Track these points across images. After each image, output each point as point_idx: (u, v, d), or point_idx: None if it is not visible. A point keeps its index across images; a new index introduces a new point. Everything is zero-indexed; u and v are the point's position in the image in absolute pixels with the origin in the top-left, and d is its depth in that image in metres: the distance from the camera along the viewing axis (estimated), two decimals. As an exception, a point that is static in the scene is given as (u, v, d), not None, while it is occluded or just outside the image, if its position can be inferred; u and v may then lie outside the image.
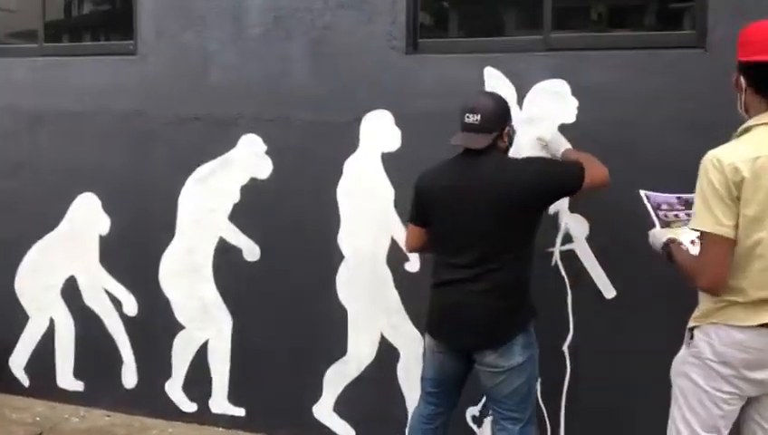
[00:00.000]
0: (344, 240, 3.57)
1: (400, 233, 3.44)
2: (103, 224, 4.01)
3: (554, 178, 2.66)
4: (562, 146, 3.08)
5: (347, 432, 3.64)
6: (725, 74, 2.35)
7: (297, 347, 3.69)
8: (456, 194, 2.65)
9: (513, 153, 3.17)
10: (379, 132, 3.48)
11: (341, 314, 3.60)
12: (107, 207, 3.99)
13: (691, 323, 2.31)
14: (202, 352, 3.88)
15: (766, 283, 2.13)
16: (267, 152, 3.67)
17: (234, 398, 3.82)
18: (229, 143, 3.74)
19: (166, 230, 3.88)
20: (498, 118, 2.71)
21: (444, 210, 2.69)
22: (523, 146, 3.22)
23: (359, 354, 3.58)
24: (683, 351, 2.34)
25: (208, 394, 3.87)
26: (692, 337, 2.29)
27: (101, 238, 4.02)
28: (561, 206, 3.18)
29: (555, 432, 3.33)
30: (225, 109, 3.73)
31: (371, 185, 3.52)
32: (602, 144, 3.02)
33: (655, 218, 2.51)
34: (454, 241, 2.67)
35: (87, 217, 4.04)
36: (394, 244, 3.50)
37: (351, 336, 3.59)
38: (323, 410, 3.67)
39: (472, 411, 3.45)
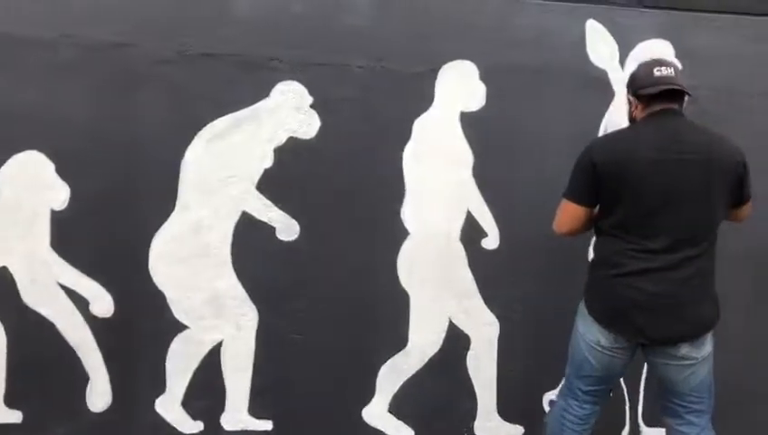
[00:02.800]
0: (409, 214, 3.02)
1: (479, 205, 3.02)
2: (57, 194, 2.90)
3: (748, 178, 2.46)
4: None
5: (404, 433, 3.15)
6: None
7: (342, 342, 3.08)
8: (662, 168, 2.32)
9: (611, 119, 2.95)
10: (460, 87, 2.96)
11: (401, 299, 3.07)
12: (64, 172, 2.89)
13: None
14: (209, 358, 3.05)
15: None
16: (313, 106, 2.93)
17: (256, 409, 3.08)
18: (258, 92, 2.92)
19: (158, 204, 2.94)
20: None
21: (641, 186, 2.33)
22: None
23: (422, 345, 3.10)
24: None
25: (219, 408, 3.08)
26: None
27: (55, 215, 2.91)
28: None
29: (634, 409, 3.23)
30: (255, 46, 2.88)
31: (447, 150, 3.01)
32: (709, 112, 2.90)
33: None
34: (653, 223, 2.35)
35: (30, 185, 2.89)
36: (469, 218, 3.05)
37: (414, 325, 3.08)
38: (376, 412, 3.13)
39: (549, 396, 3.20)
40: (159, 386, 3.03)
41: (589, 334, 2.48)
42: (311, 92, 2.92)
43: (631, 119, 2.54)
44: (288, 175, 2.95)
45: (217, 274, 2.99)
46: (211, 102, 2.90)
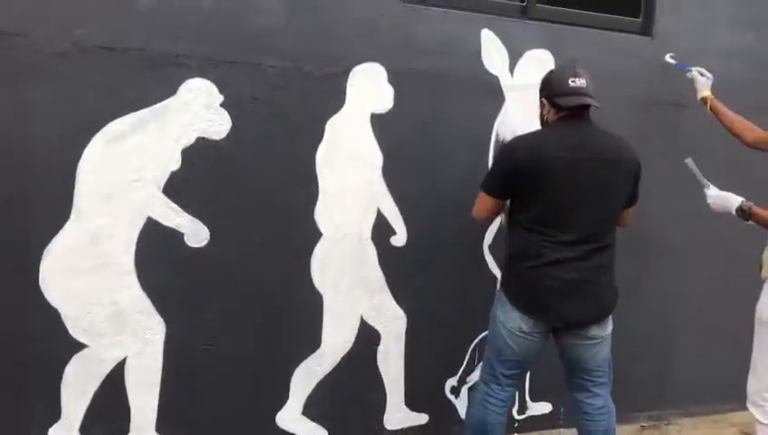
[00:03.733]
0: (322, 215, 3.01)
1: (389, 206, 3.11)
2: (-75, 205, 2.50)
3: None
4: None
5: (318, 434, 3.15)
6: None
7: (252, 349, 3.00)
8: (578, 166, 2.56)
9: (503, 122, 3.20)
10: (370, 89, 3.01)
11: (313, 302, 3.06)
12: (-67, 178, 2.50)
13: None
14: (111, 377, 2.81)
15: None
16: (223, 105, 2.81)
17: (164, 427, 2.90)
18: (163, 90, 2.73)
19: (50, 212, 2.65)
20: None
21: (559, 183, 2.55)
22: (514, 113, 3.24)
23: (336, 345, 3.11)
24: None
25: (124, 430, 2.85)
26: None
27: None
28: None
29: (522, 387, 3.51)
30: (160, 41, 2.69)
31: (359, 151, 3.04)
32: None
33: (705, 181, 2.91)
34: (568, 218, 2.58)
35: None
36: (380, 218, 3.12)
37: (328, 326, 3.09)
38: (290, 416, 3.09)
39: (450, 383, 3.37)
40: (52, 414, 2.74)
41: (510, 322, 2.67)
42: (220, 91, 2.79)
43: (544, 120, 2.76)
44: (195, 177, 2.79)
45: (120, 286, 2.76)
46: (111, 101, 2.66)
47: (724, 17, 3.62)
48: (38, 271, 2.64)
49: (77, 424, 2.77)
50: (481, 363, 2.91)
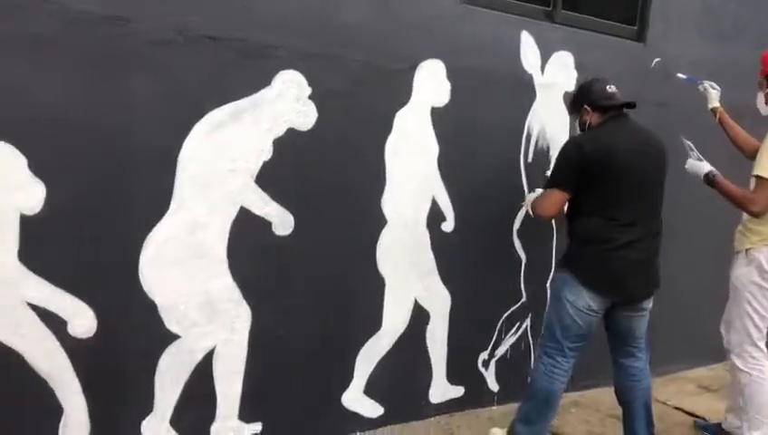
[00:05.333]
0: (388, 203, 3.17)
1: (442, 194, 3.33)
2: (31, 196, 2.37)
3: None
4: None
5: (375, 411, 3.32)
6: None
7: (322, 333, 3.11)
8: (635, 156, 2.91)
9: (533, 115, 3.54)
10: (433, 84, 3.20)
11: (377, 285, 3.22)
12: (40, 168, 2.37)
13: (747, 246, 3.32)
14: (199, 367, 2.82)
15: None
16: (311, 96, 2.88)
17: (246, 413, 2.95)
18: (260, 80, 2.76)
19: (149, 203, 2.60)
20: None
21: (622, 172, 2.89)
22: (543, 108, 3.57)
23: (395, 326, 3.30)
24: (744, 268, 3.33)
25: (210, 418, 2.87)
26: (748, 256, 3.30)
27: (25, 220, 2.37)
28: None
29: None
30: (258, 31, 2.72)
31: (421, 142, 3.22)
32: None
33: (693, 152, 3.38)
34: (631, 203, 2.94)
35: (-4, 185, 2.31)
36: (434, 205, 3.32)
37: (389, 307, 3.26)
38: (353, 395, 3.24)
39: (482, 356, 3.66)
40: (145, 407, 2.70)
41: (579, 301, 2.98)
42: (309, 83, 2.86)
43: (586, 125, 3.09)
44: (281, 167, 2.84)
45: (212, 275, 2.76)
46: (212, 90, 2.65)
47: (704, 29, 4.16)
48: (137, 262, 2.59)
49: (168, 415, 2.76)
50: (540, 339, 3.18)
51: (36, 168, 2.36)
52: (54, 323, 2.47)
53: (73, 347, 2.51)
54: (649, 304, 3.10)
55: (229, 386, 2.88)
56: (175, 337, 2.72)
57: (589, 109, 3.06)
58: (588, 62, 3.65)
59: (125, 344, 2.62)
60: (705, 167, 3.32)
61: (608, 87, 3.04)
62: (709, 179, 3.29)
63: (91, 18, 2.39)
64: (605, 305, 3.00)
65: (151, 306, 2.65)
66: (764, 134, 3.23)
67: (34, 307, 2.43)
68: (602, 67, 3.60)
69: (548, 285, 3.79)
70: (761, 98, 3.42)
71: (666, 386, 4.34)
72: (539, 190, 3.28)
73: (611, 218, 2.94)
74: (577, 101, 3.13)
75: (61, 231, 2.43)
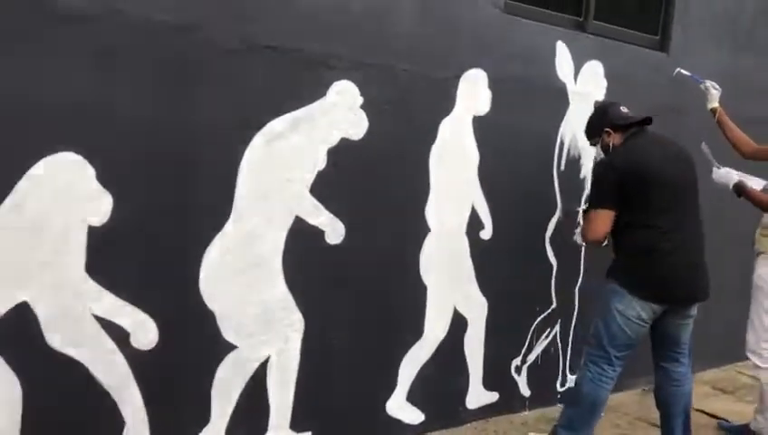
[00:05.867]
0: (432, 211, 3.20)
1: (481, 202, 3.36)
2: (98, 207, 2.35)
3: None
4: None
5: (417, 418, 3.34)
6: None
7: (373, 341, 3.12)
8: (667, 166, 3.00)
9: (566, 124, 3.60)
10: (475, 93, 3.24)
11: (421, 293, 3.24)
12: (107, 179, 2.35)
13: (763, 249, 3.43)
14: (253, 377, 2.81)
15: None
16: (362, 106, 2.89)
17: (298, 422, 2.94)
18: (317, 90, 2.77)
19: (211, 214, 2.60)
20: None
21: (659, 186, 2.96)
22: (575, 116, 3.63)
23: (436, 333, 3.32)
24: (764, 269, 3.44)
25: (263, 428, 2.86)
26: None
27: (92, 232, 2.35)
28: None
29: (564, 364, 3.94)
30: (317, 42, 2.72)
31: (463, 150, 3.26)
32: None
33: (715, 162, 3.48)
34: (671, 212, 3.01)
35: (63, 195, 2.28)
36: (473, 212, 3.36)
37: (430, 315, 3.28)
38: (397, 403, 3.25)
39: (515, 362, 3.70)
40: (202, 418, 2.69)
41: (629, 311, 3.02)
42: (361, 93, 2.87)
43: (610, 148, 3.14)
44: (333, 176, 2.85)
45: (269, 285, 2.76)
46: (272, 99, 2.65)
47: (723, 41, 4.27)
48: (197, 273, 2.58)
49: (224, 426, 2.74)
50: (587, 348, 3.21)
51: (103, 178, 2.33)
52: (118, 334, 2.44)
53: (135, 359, 2.48)
54: (695, 310, 3.16)
55: (282, 395, 2.87)
56: (232, 347, 2.71)
57: (610, 130, 3.13)
58: (615, 71, 3.73)
59: (184, 356, 2.61)
60: (732, 176, 3.41)
61: (622, 108, 3.15)
62: (738, 188, 3.38)
63: (160, 28, 2.37)
64: (654, 314, 3.05)
65: (210, 317, 2.64)
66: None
67: (99, 319, 2.40)
68: (628, 76, 3.69)
69: (575, 290, 3.86)
70: None
71: (683, 388, 4.43)
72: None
73: (655, 227, 3.00)
74: (596, 126, 3.21)
75: (125, 242, 2.41)
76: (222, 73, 2.52)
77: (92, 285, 2.36)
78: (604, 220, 3.04)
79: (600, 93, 3.70)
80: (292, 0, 2.65)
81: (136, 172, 2.40)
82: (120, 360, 2.46)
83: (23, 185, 2.20)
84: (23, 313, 2.25)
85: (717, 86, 3.80)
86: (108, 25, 2.28)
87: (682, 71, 3.86)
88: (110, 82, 2.31)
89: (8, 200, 2.18)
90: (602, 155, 3.19)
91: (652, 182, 2.97)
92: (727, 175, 3.42)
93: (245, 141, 2.61)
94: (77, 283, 2.33)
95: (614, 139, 3.13)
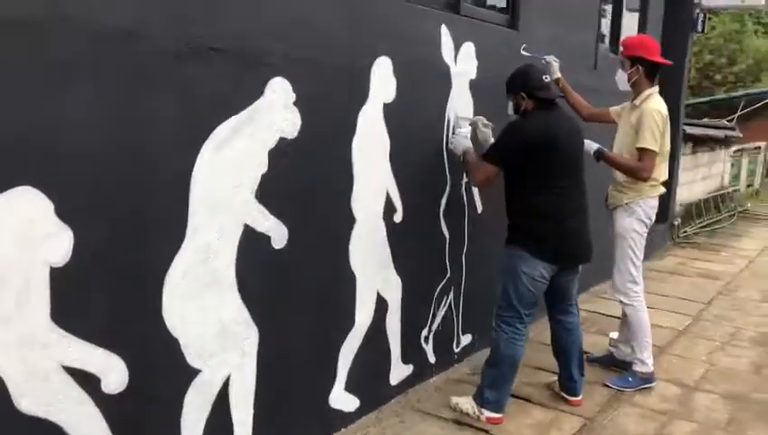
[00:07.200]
0: (356, 201, 3.21)
1: (393, 187, 3.45)
2: (60, 244, 2.05)
3: None
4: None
5: (354, 404, 3.40)
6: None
7: (316, 337, 3.11)
8: (569, 139, 3.38)
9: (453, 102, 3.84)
10: (385, 81, 3.28)
11: (350, 283, 3.27)
12: (63, 211, 2.05)
13: (626, 200, 3.99)
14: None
15: (663, 173, 4.04)
16: (294, 103, 2.80)
17: (259, 431, 2.85)
18: (255, 90, 2.63)
19: (169, 234, 2.39)
20: None
21: (562, 155, 3.32)
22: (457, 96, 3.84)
23: (365, 320, 3.38)
24: (625, 220, 4.00)
25: (226, 448, 2.74)
26: (628, 209, 3.98)
27: (54, 273, 2.05)
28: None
29: (457, 325, 4.22)
30: (251, 40, 2.57)
31: (379, 139, 3.30)
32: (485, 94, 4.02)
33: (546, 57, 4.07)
34: (569, 179, 3.36)
35: (25, 237, 1.95)
36: (387, 197, 3.44)
37: (360, 303, 3.33)
38: (337, 394, 3.28)
39: (423, 333, 3.89)
40: (172, 451, 2.51)
41: (533, 271, 3.35)
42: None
43: (522, 110, 3.44)
44: (270, 178, 2.75)
45: (225, 301, 2.62)
46: (217, 103, 2.47)
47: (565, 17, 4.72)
48: (160, 301, 2.37)
49: (194, 454, 2.58)
50: (497, 311, 3.48)
51: (60, 211, 2.03)
52: (86, 380, 2.17)
53: (104, 401, 2.24)
54: (580, 267, 3.59)
55: (244, 410, 2.77)
56: (197, 372, 2.54)
57: (525, 96, 3.39)
58: (482, 49, 3.98)
59: (154, 389, 2.40)
60: (593, 145, 3.86)
61: (543, 77, 3.41)
62: (599, 154, 3.85)
63: (107, 35, 2.09)
64: (553, 272, 3.41)
65: (176, 344, 2.45)
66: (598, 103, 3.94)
67: (68, 369, 2.12)
68: (491, 53, 3.98)
69: (462, 258, 4.13)
70: (621, 75, 4.06)
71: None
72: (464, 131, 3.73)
73: (557, 194, 3.34)
74: (514, 87, 3.45)
75: (88, 279, 2.14)
76: (169, 80, 2.29)
77: (60, 334, 2.07)
78: (489, 172, 3.37)
79: (472, 72, 3.93)
80: (231, 1, 2.46)
81: (91, 200, 2.12)
82: (92, 411, 2.20)
83: (-20, 231, 1.85)
84: (-13, 380, 1.92)
85: (556, 59, 4.23)
86: (54, 34, 1.96)
87: (524, 52, 4.23)
88: (58, 99, 2.00)
89: (-38, 252, 1.83)
90: (512, 111, 3.50)
91: (558, 153, 3.29)
92: (588, 142, 3.83)
93: (195, 152, 2.42)
94: (44, 334, 2.03)
95: (527, 104, 3.40)
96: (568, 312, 3.67)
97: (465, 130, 3.79)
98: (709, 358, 4.57)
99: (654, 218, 4.08)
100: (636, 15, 6.63)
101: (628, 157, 3.92)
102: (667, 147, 4.00)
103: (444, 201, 3.88)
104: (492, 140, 3.68)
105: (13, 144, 1.90)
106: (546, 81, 3.42)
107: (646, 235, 4.04)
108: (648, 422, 3.58)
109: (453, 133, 3.78)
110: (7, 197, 1.90)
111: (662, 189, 4.05)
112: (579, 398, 3.73)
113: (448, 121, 3.81)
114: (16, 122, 1.91)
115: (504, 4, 4.38)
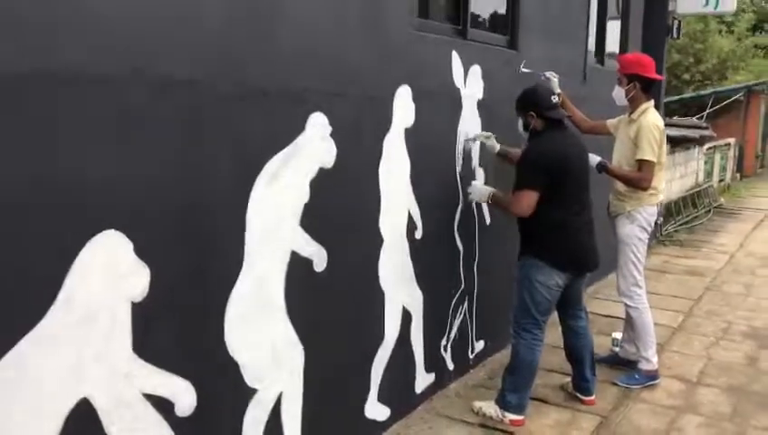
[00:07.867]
0: (384, 222, 3.40)
1: (414, 206, 3.65)
2: (139, 281, 2.21)
3: None
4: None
5: (386, 414, 3.59)
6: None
7: (352, 352, 3.29)
8: (580, 159, 3.63)
9: (464, 124, 4.05)
10: (406, 108, 3.47)
11: (381, 299, 3.46)
12: (141, 250, 2.21)
13: (628, 208, 4.24)
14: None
15: (661, 182, 4.30)
16: (331, 135, 2.99)
17: (304, 447, 3.03)
18: (297, 125, 2.80)
19: (230, 265, 2.56)
20: None
21: (575, 173, 3.55)
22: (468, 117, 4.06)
23: (393, 333, 3.57)
24: (627, 227, 4.24)
25: (280, 462, 2.90)
26: (630, 216, 4.22)
27: (134, 308, 2.21)
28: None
29: (471, 332, 4.43)
30: (294, 79, 2.75)
31: (401, 162, 3.49)
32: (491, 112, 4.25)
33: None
34: (580, 196, 3.61)
35: (110, 277, 2.11)
36: (409, 216, 3.63)
37: (388, 318, 3.52)
38: (371, 404, 3.46)
39: (443, 342, 4.09)
40: (234, 471, 2.67)
41: (549, 280, 3.58)
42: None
43: (531, 128, 3.66)
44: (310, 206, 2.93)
45: (276, 323, 2.79)
46: (266, 140, 2.65)
47: (557, 34, 4.96)
48: (222, 329, 2.54)
49: (253, 470, 2.74)
50: (515, 319, 3.70)
51: (137, 250, 2.20)
52: (161, 407, 2.33)
53: (178, 425, 2.40)
54: (587, 276, 3.84)
55: (294, 423, 2.93)
56: (254, 392, 2.71)
57: (534, 115, 3.61)
58: (487, 70, 4.20)
59: (218, 410, 2.56)
60: (596, 158, 4.09)
61: (552, 97, 3.62)
62: (601, 167, 4.08)
63: (170, 84, 2.26)
64: (566, 281, 3.63)
65: (236, 367, 2.61)
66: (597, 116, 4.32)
67: (146, 395, 2.28)
68: (495, 73, 4.20)
69: (475, 269, 4.34)
70: (618, 91, 4.30)
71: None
72: (478, 182, 3.94)
73: (569, 209, 3.57)
74: (524, 106, 3.67)
75: (161, 311, 2.29)
76: (223, 121, 2.46)
77: (141, 365, 2.23)
78: (530, 199, 3.51)
79: (480, 92, 4.15)
80: (275, 45, 2.64)
81: (163, 238, 2.28)
82: (169, 433, 2.35)
83: (72, 274, 2.00)
84: (84, 408, 2.07)
85: (556, 74, 4.46)
86: (127, 86, 2.12)
87: (524, 69, 4.45)
88: (130, 147, 2.16)
89: (61, 295, 1.98)
90: (522, 129, 3.72)
91: (570, 172, 3.52)
92: (593, 158, 4.06)
93: (250, 188, 2.59)
94: (127, 365, 2.19)
95: (536, 123, 3.61)
96: (578, 316, 3.91)
97: (476, 160, 4.06)
98: (707, 353, 4.84)
99: (654, 224, 4.33)
100: (618, 25, 6.92)
101: (628, 168, 4.16)
102: (664, 157, 4.26)
103: (458, 216, 4.09)
104: (498, 146, 3.95)
105: (99, 191, 2.06)
106: (555, 101, 3.63)
107: (647, 240, 4.29)
108: (660, 417, 3.82)
109: (468, 189, 3.99)
110: (97, 240, 2.05)
111: (661, 197, 4.31)
112: (592, 397, 3.97)
113: (459, 140, 4.02)
114: (100, 170, 2.06)
115: (498, 23, 4.59)
